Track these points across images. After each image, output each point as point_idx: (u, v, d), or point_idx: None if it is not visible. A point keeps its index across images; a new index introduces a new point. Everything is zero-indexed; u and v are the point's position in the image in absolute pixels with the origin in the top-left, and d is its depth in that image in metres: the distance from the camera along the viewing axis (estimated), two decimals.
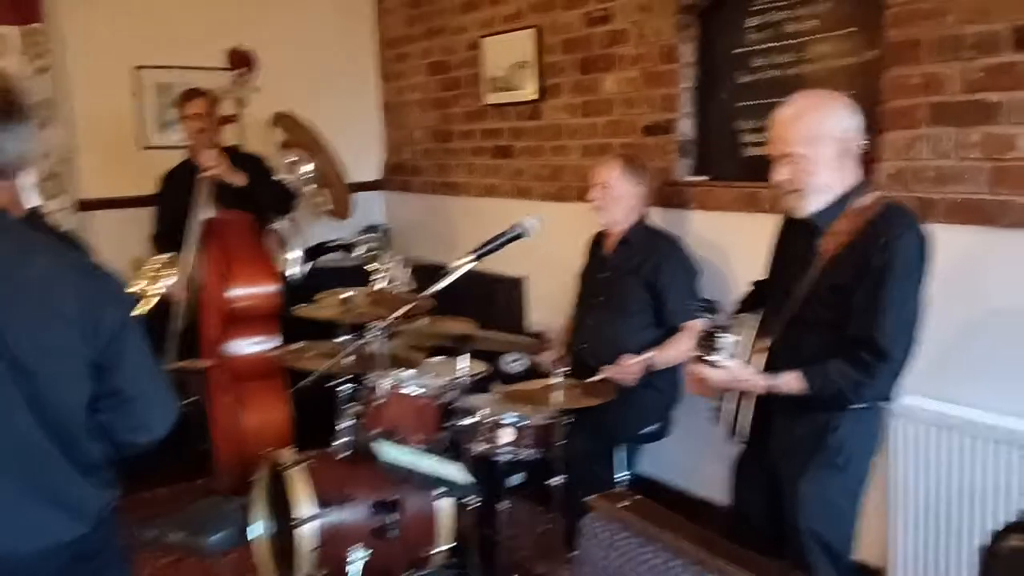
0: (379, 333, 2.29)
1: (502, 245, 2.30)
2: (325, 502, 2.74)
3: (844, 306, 2.17)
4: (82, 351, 1.61)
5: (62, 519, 1.68)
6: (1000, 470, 2.44)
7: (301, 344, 3.37)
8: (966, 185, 2.58)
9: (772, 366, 2.27)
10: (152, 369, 1.77)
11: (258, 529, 2.78)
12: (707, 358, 2.22)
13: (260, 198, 3.89)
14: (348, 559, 2.48)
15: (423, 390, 2.91)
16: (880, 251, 2.11)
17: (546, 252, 4.21)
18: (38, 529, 1.66)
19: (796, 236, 2.34)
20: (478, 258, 2.26)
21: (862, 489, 2.29)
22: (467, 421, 2.89)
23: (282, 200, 4.09)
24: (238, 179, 3.77)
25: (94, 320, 1.62)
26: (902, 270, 2.11)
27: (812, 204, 2.21)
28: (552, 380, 2.96)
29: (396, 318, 2.37)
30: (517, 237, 2.32)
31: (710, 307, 2.56)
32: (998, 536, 1.41)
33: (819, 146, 2.16)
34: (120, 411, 1.70)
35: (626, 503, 1.63)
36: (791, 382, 2.21)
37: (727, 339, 2.22)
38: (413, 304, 2.44)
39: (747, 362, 2.29)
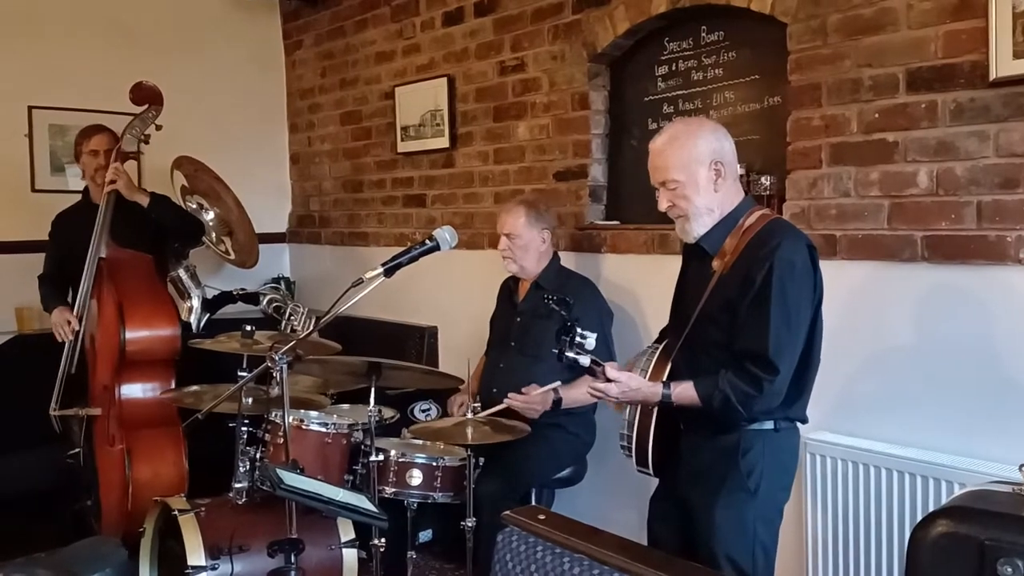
0: (282, 359, 2.16)
1: (416, 258, 2.23)
2: (216, 552, 2.55)
3: (733, 323, 2.19)
4: None
5: None
6: (906, 498, 2.46)
7: (197, 387, 3.19)
8: (866, 222, 2.67)
9: None
10: None
11: None
12: (568, 354, 2.17)
13: (163, 219, 3.72)
14: None
15: (329, 428, 2.77)
16: (760, 264, 2.13)
17: (458, 300, 4.16)
18: None
19: (693, 261, 2.39)
20: (390, 271, 2.17)
21: (777, 513, 2.26)
22: (376, 458, 2.75)
23: (186, 222, 3.92)
24: (140, 196, 3.63)
25: None
26: (783, 281, 2.11)
27: (698, 228, 2.25)
28: (463, 416, 2.87)
29: (300, 340, 2.25)
30: (432, 250, 2.25)
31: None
32: (923, 523, 1.39)
33: (693, 170, 2.21)
34: None
35: (543, 517, 1.57)
36: (685, 392, 2.19)
37: (588, 336, 2.17)
38: (314, 328, 2.33)
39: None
